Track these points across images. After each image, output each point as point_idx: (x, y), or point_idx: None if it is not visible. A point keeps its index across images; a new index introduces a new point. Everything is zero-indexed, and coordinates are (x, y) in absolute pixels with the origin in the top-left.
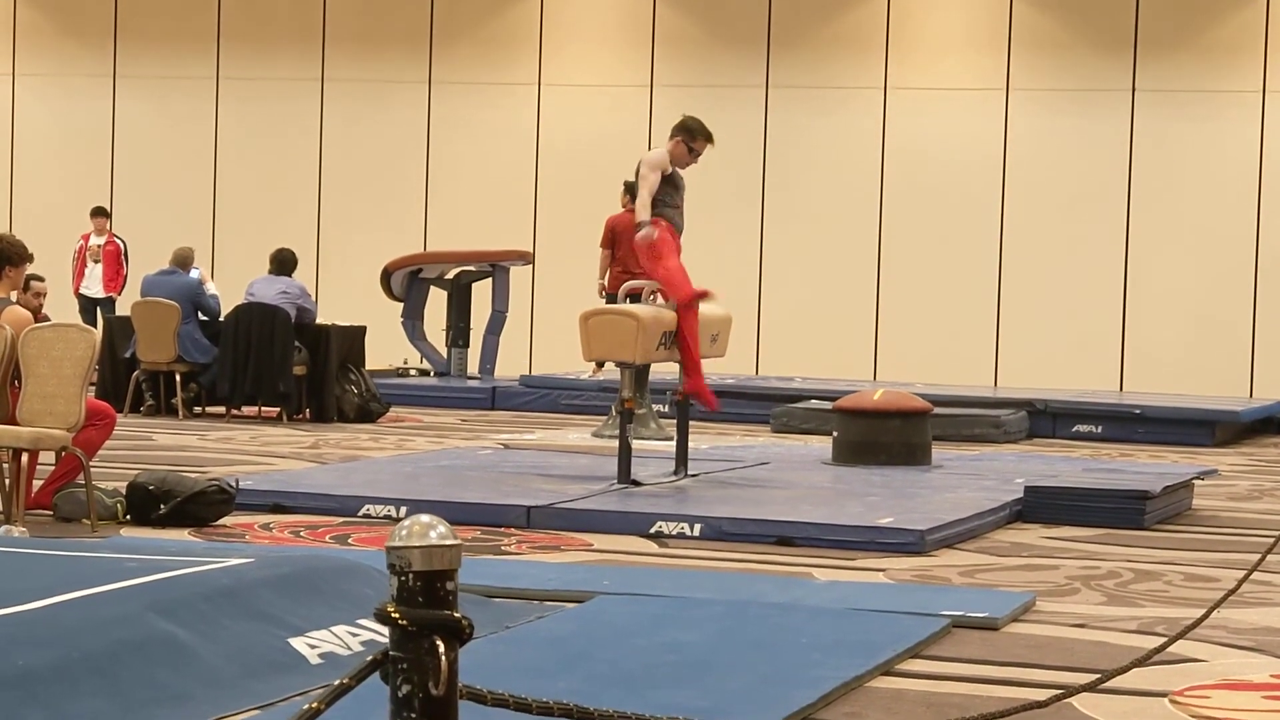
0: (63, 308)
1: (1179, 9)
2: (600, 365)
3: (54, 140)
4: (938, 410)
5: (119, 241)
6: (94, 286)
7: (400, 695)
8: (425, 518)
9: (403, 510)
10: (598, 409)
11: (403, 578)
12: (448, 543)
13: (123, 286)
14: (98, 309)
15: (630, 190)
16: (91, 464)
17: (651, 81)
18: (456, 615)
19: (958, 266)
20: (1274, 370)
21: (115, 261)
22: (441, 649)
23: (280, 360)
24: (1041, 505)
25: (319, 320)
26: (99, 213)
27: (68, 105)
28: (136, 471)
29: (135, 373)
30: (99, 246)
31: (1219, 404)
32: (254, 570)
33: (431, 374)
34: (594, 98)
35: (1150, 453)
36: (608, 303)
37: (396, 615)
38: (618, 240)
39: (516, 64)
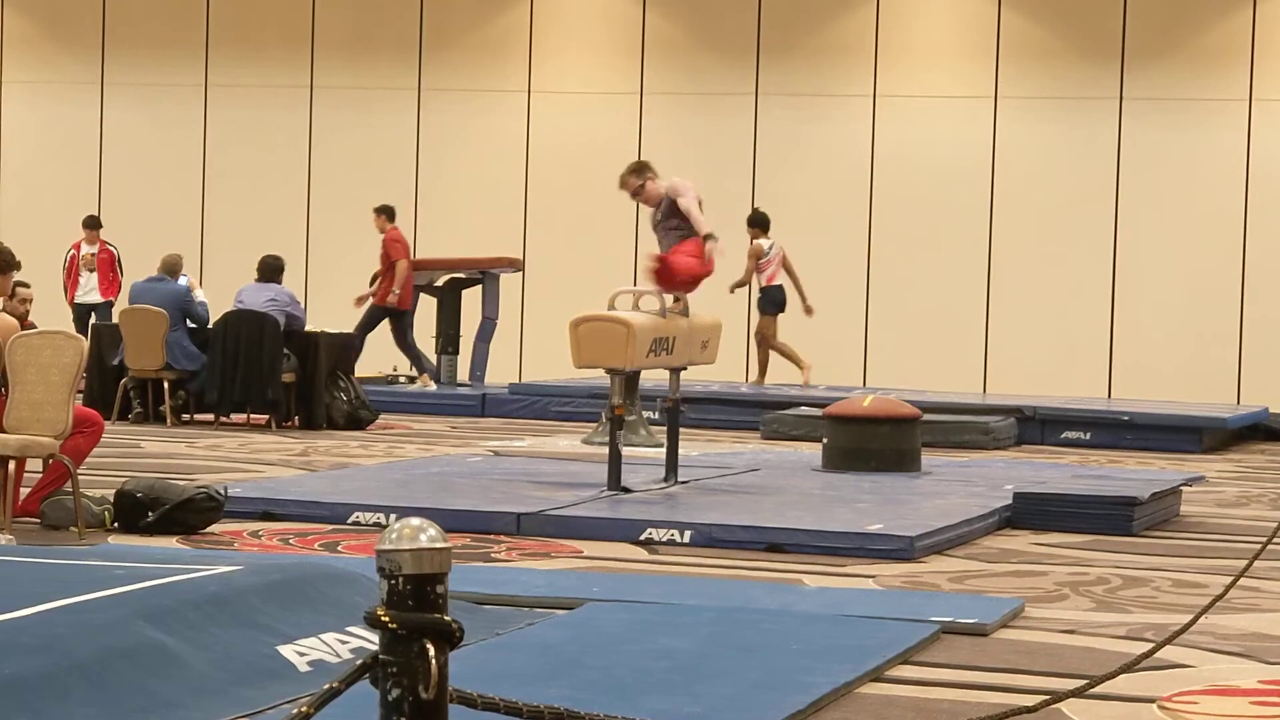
0: (55, 318)
1: (1166, 17)
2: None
3: (42, 147)
4: (927, 417)
5: (112, 249)
6: (89, 294)
7: (390, 699)
8: (416, 521)
9: (392, 517)
10: (588, 416)
11: (393, 581)
12: (438, 546)
13: (119, 291)
14: (93, 315)
15: (385, 211)
16: (79, 471)
17: (641, 89)
18: (447, 618)
19: (947, 273)
20: (1261, 377)
21: (110, 268)
22: (432, 652)
23: (269, 367)
24: (1030, 511)
25: (308, 327)
26: (91, 223)
27: (56, 112)
28: (124, 479)
29: (123, 380)
30: (92, 255)
31: (1207, 410)
32: (243, 578)
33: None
34: (584, 105)
35: (1138, 459)
36: (369, 314)
37: (386, 619)
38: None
39: (506, 71)
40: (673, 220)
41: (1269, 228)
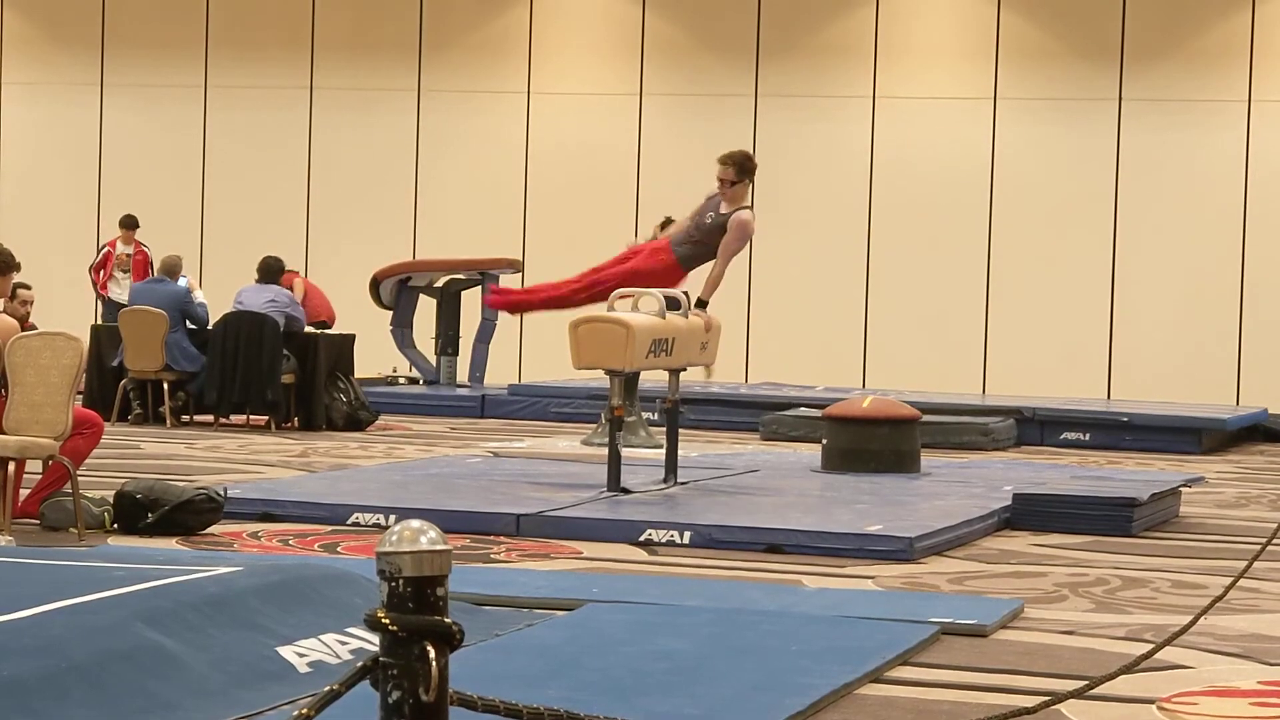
0: (57, 320)
1: (1165, 19)
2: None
3: (42, 148)
4: (926, 418)
5: (146, 250)
6: (121, 292)
7: (390, 701)
8: (415, 523)
9: (392, 518)
10: (587, 417)
11: (393, 583)
12: (438, 548)
13: None
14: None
15: (287, 268)
16: (79, 472)
17: (641, 90)
18: (447, 621)
19: (946, 274)
20: (1260, 378)
21: (143, 270)
22: (432, 654)
23: (268, 368)
24: (1030, 512)
25: (307, 328)
26: (128, 223)
27: (55, 113)
28: (124, 480)
29: (123, 381)
30: (127, 255)
31: (1206, 411)
32: (242, 579)
33: (420, 382)
34: (583, 106)
35: (1138, 460)
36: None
37: (387, 621)
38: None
39: (506, 72)
40: (706, 235)
41: (1268, 229)
